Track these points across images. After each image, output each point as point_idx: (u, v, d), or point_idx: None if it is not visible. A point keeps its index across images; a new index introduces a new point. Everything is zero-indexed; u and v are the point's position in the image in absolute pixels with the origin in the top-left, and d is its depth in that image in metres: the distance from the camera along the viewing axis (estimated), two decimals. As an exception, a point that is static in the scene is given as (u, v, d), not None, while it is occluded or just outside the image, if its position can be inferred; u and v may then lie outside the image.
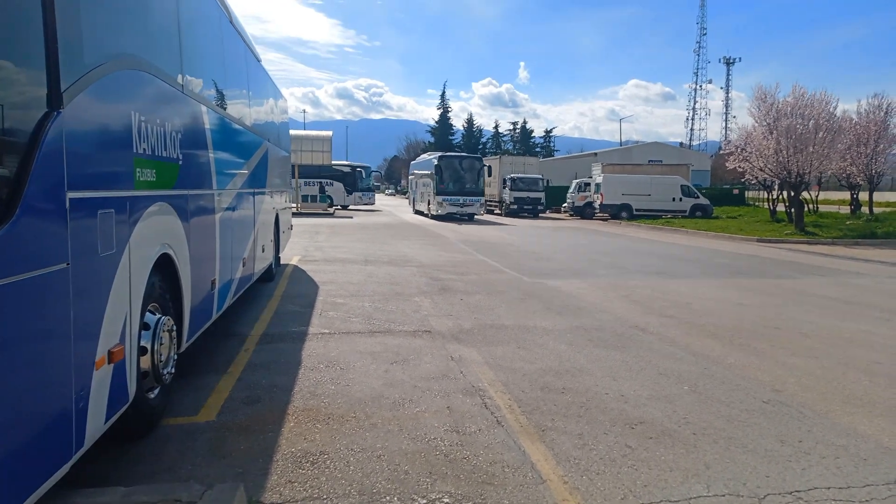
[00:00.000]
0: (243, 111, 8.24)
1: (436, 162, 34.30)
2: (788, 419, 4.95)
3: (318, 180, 41.57)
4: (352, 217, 34.12)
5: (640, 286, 11.54)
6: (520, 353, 6.70)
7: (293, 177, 31.51)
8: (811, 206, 32.41)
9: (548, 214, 41.30)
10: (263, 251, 9.66)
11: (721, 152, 40.32)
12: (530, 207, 38.62)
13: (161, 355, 4.44)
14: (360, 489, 3.65)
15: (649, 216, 34.06)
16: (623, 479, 3.87)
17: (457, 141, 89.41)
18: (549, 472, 3.93)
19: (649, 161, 50.18)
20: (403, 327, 7.80)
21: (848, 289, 11.84)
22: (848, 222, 27.67)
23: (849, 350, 7.17)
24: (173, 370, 4.77)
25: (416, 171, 42.22)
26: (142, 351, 4.17)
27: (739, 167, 28.54)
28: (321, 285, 10.82)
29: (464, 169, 34.30)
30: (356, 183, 45.24)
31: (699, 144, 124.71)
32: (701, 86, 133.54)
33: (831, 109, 25.11)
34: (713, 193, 43.22)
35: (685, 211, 35.15)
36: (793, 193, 26.32)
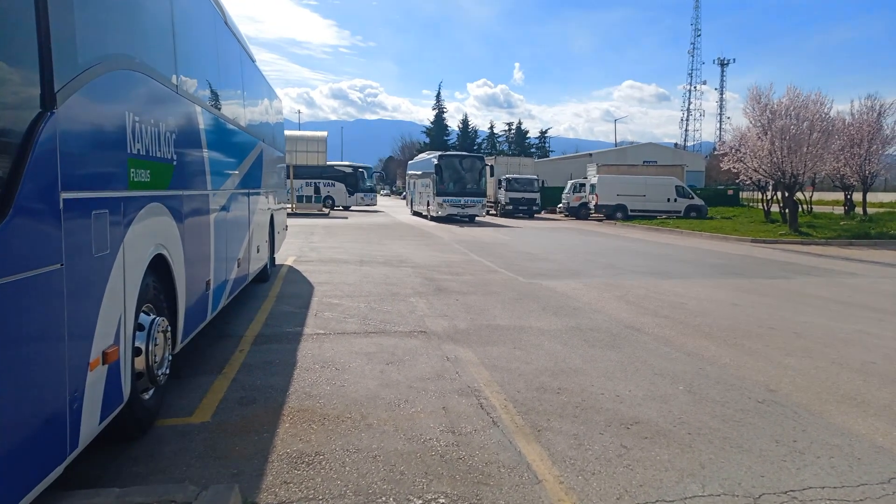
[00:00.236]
0: (238, 111, 8.22)
1: (436, 161, 33.13)
2: (783, 419, 4.97)
3: (314, 181, 41.51)
4: (347, 218, 34.08)
5: (635, 286, 11.56)
6: (515, 354, 6.70)
7: (288, 177, 31.47)
8: (805, 206, 32.54)
9: (543, 215, 41.33)
10: (258, 252, 9.64)
11: (715, 153, 40.48)
12: (525, 208, 38.60)
13: (156, 356, 4.42)
14: (356, 490, 3.65)
15: (644, 217, 34.13)
16: (619, 478, 3.87)
17: (452, 141, 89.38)
18: (545, 472, 3.94)
19: (644, 162, 50.27)
20: (399, 328, 7.80)
21: (842, 289, 11.88)
22: (842, 223, 27.79)
23: (843, 350, 7.19)
24: (168, 371, 4.75)
25: (414, 171, 40.82)
26: (136, 352, 4.16)
27: (734, 168, 28.65)
28: (316, 286, 10.80)
29: (465, 168, 33.15)
30: (358, 184, 44.96)
31: (694, 145, 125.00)
32: (695, 87, 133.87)
33: (825, 110, 25.25)
34: (708, 194, 43.33)
35: (680, 211, 35.23)
36: (787, 194, 26.40)
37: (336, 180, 43.97)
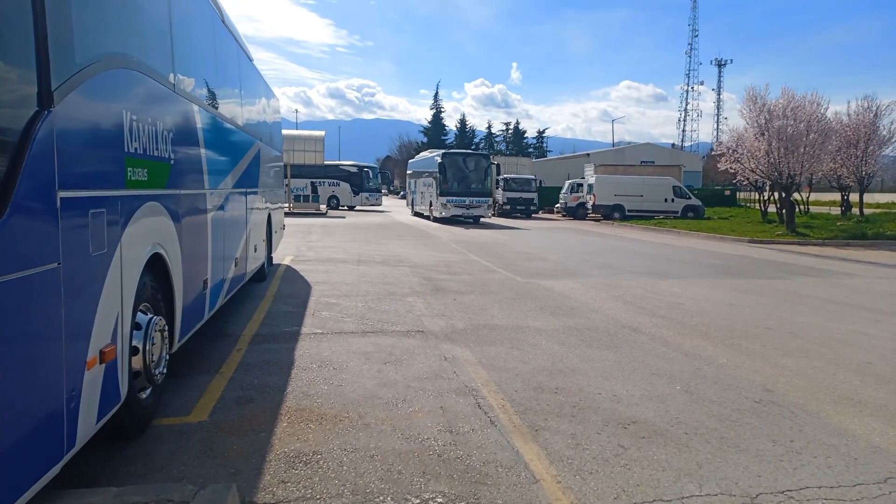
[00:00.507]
0: (235, 110, 8.21)
1: (439, 159, 31.43)
2: (780, 419, 4.98)
3: (312, 180, 41.44)
4: (344, 217, 34.05)
5: (632, 286, 11.57)
6: (513, 353, 6.70)
7: (285, 176, 31.44)
8: (802, 207, 32.60)
9: (540, 215, 41.36)
10: (256, 251, 9.63)
11: (713, 153, 40.49)
12: (523, 208, 38.61)
13: (153, 355, 4.41)
14: (354, 489, 3.65)
15: (641, 217, 34.16)
16: (616, 478, 3.88)
17: (449, 141, 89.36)
18: (543, 471, 3.94)
19: (641, 162, 50.33)
20: (396, 327, 7.80)
21: (839, 289, 11.90)
22: (838, 223, 27.84)
23: (840, 350, 7.21)
24: (165, 370, 4.74)
25: (415, 170, 38.77)
26: (133, 351, 4.15)
27: (731, 168, 28.69)
28: (314, 285, 10.79)
29: (470, 167, 31.59)
30: (363, 183, 44.75)
31: (691, 145, 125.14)
32: (692, 87, 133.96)
33: (822, 111, 25.32)
34: (705, 194, 43.39)
35: (677, 212, 35.27)
36: (784, 194, 26.46)
37: (341, 180, 43.88)
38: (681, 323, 8.46)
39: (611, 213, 35.14)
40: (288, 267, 13.07)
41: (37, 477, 2.86)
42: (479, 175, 31.64)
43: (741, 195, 47.19)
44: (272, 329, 7.58)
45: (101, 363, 3.49)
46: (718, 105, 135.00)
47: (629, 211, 34.98)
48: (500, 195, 38.75)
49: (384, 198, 54.64)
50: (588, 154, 62.14)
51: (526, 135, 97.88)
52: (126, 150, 3.96)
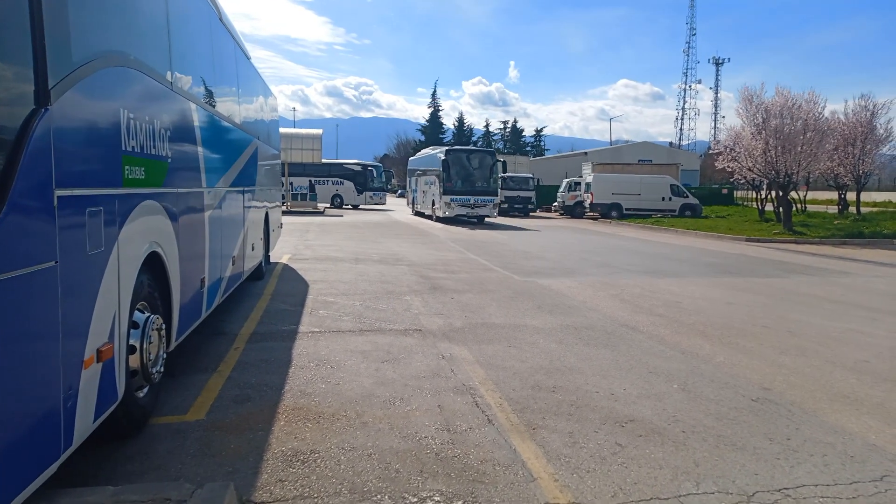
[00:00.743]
0: (233, 109, 8.20)
1: (442, 156, 30.01)
2: (777, 417, 4.99)
3: (309, 178, 41.40)
4: (342, 216, 34.02)
5: (630, 285, 11.58)
6: (510, 352, 6.71)
7: (283, 175, 31.38)
8: (799, 205, 32.68)
9: (538, 213, 41.39)
10: (253, 249, 9.62)
11: (710, 152, 40.55)
12: (521, 206, 38.62)
13: (150, 354, 4.41)
14: (351, 488, 3.65)
15: (639, 215, 34.21)
16: (613, 476, 3.88)
17: (447, 139, 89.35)
18: (540, 470, 3.94)
19: (639, 160, 50.37)
20: (394, 326, 7.80)
21: (835, 288, 11.93)
22: (836, 222, 27.92)
23: (836, 348, 7.22)
24: (162, 369, 4.74)
25: (416, 168, 37.51)
26: (131, 350, 4.14)
27: (728, 167, 28.72)
28: (311, 284, 10.79)
29: (474, 164, 30.16)
30: (367, 182, 44.56)
31: (688, 144, 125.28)
32: (690, 86, 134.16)
33: (819, 110, 25.34)
34: (702, 193, 43.46)
35: (675, 210, 35.33)
36: (781, 193, 26.50)
37: (345, 178, 43.76)
38: (678, 321, 8.47)
39: (608, 211, 35.18)
40: (285, 265, 13.06)
41: (34, 476, 2.86)
42: (484, 173, 30.23)
43: (738, 194, 47.26)
44: (270, 328, 7.58)
45: (98, 362, 3.48)
46: (716, 104, 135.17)
47: (627, 209, 35.02)
48: (497, 193, 38.74)
49: None
50: (586, 152, 62.16)
51: (524, 133, 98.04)
52: (123, 148, 3.96)
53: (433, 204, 31.53)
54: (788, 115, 24.94)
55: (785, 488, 3.78)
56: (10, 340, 2.65)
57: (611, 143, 78.69)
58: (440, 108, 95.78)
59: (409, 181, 40.10)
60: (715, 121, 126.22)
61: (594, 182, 35.71)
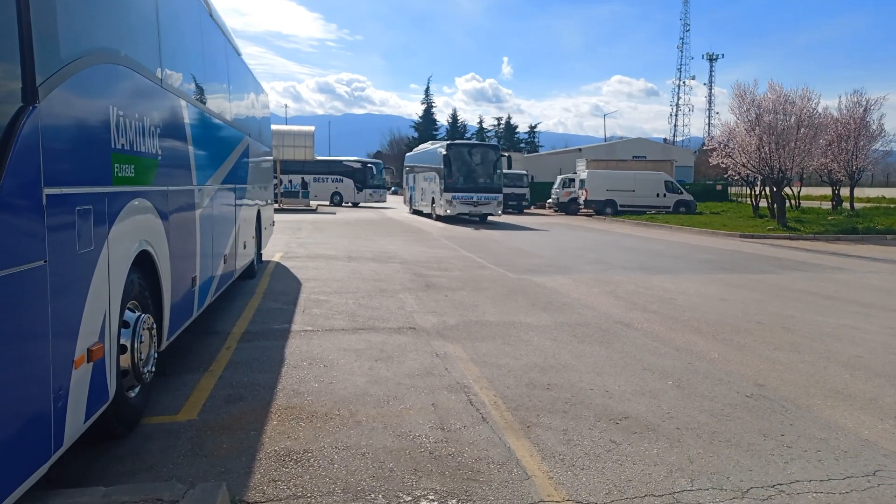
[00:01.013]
0: (224, 106, 8.15)
1: (443, 151, 28.49)
2: (771, 413, 4.99)
3: (302, 175, 41.29)
4: (335, 213, 33.95)
5: (624, 282, 11.59)
6: (504, 350, 6.70)
7: (276, 172, 31.30)
8: (793, 201, 32.77)
9: (532, 210, 41.39)
10: (245, 248, 9.58)
11: (704, 148, 40.66)
12: (514, 203, 38.56)
13: (141, 353, 4.37)
14: (345, 487, 3.63)
15: (633, 212, 34.25)
16: (608, 473, 3.88)
17: (441, 136, 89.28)
18: (535, 467, 3.93)
19: (633, 157, 50.36)
20: (388, 324, 7.77)
21: (829, 284, 11.96)
22: (829, 218, 28.02)
23: (830, 344, 7.24)
24: (154, 369, 4.70)
25: (414, 164, 35.91)
26: (121, 349, 4.11)
27: (722, 163, 28.79)
28: (304, 282, 10.75)
29: (477, 160, 28.76)
30: (366, 179, 44.37)
31: (683, 140, 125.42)
32: (684, 82, 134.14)
33: (813, 106, 25.40)
34: (697, 189, 43.52)
35: (669, 206, 35.37)
36: (775, 189, 26.57)
37: (344, 176, 43.61)
38: (672, 318, 8.47)
39: (603, 208, 35.22)
40: (278, 264, 13.02)
41: (24, 477, 2.83)
42: (487, 169, 28.74)
43: (733, 190, 47.38)
44: (262, 326, 7.55)
45: (88, 362, 3.45)
46: (710, 100, 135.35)
47: (621, 206, 35.06)
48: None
49: None
50: (580, 149, 62.13)
51: (517, 129, 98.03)
52: (113, 146, 3.92)
53: (433, 202, 30.42)
54: (782, 111, 25.00)
55: (779, 484, 3.78)
56: (-1, 340, 2.63)
57: (605, 140, 78.78)
58: (433, 104, 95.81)
59: (406, 178, 38.95)
60: (709, 117, 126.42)
61: (588, 179, 35.74)
